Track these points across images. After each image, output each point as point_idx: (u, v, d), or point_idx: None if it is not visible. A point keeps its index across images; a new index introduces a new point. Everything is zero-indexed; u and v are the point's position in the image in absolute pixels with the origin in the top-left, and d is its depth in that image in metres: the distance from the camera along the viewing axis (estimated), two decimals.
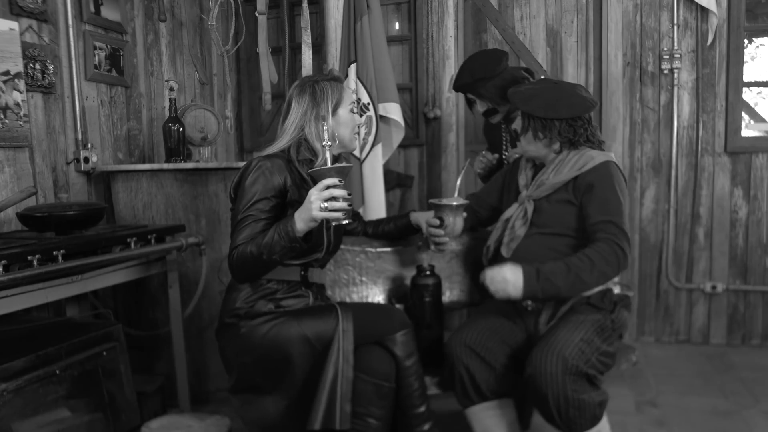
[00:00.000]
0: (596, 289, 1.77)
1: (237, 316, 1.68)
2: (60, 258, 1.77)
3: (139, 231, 2.13)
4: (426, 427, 1.73)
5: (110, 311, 2.54)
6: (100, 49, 2.70)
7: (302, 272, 1.75)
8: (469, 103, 2.32)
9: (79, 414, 1.90)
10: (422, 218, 2.01)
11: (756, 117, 3.56)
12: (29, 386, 1.74)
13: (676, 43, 3.18)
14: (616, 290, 1.82)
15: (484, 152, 2.38)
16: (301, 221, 1.50)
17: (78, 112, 2.56)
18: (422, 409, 1.73)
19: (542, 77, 3.07)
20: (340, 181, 1.46)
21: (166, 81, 2.86)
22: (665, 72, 3.21)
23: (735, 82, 3.14)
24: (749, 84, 3.33)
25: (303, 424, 1.61)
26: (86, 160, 2.56)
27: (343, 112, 1.76)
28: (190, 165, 2.53)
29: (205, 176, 2.51)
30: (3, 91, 2.18)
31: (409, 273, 2.09)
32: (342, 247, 2.04)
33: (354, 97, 1.83)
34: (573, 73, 3.32)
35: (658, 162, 3.29)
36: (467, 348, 1.76)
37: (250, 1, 3.15)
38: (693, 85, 3.21)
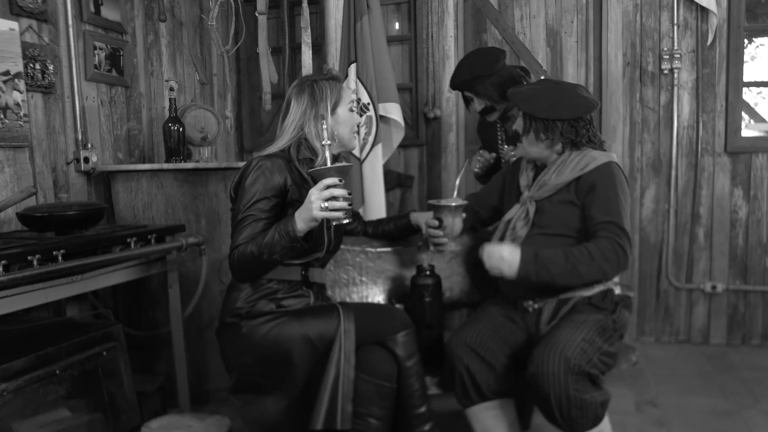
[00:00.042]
0: (597, 290, 1.77)
1: (238, 316, 1.68)
2: (60, 258, 1.77)
3: (139, 231, 2.13)
4: (426, 427, 1.73)
5: (110, 311, 2.54)
6: (100, 49, 2.70)
7: (303, 272, 1.75)
8: (466, 101, 2.32)
9: (79, 414, 1.90)
10: (422, 218, 2.01)
11: (756, 117, 3.56)
12: (29, 386, 1.74)
13: (676, 43, 3.18)
14: (617, 291, 1.82)
15: (481, 151, 2.38)
16: (301, 221, 1.50)
17: (78, 112, 2.56)
18: (423, 409, 1.73)
19: (542, 77, 3.08)
20: (340, 180, 1.46)
21: (166, 81, 2.86)
22: (665, 72, 3.21)
23: (735, 82, 3.14)
24: (749, 84, 3.33)
25: (303, 424, 1.61)
26: (86, 160, 2.56)
27: (342, 111, 1.76)
28: (190, 165, 2.53)
29: (205, 176, 2.51)
30: (3, 91, 2.18)
31: (409, 273, 2.09)
32: (342, 247, 2.04)
33: (353, 96, 1.83)
34: (573, 73, 3.32)
35: (658, 162, 3.29)
36: (468, 348, 1.76)
37: (250, 1, 3.15)
38: (693, 85, 3.21)
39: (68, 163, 2.55)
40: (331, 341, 1.62)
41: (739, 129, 3.21)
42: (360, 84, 2.67)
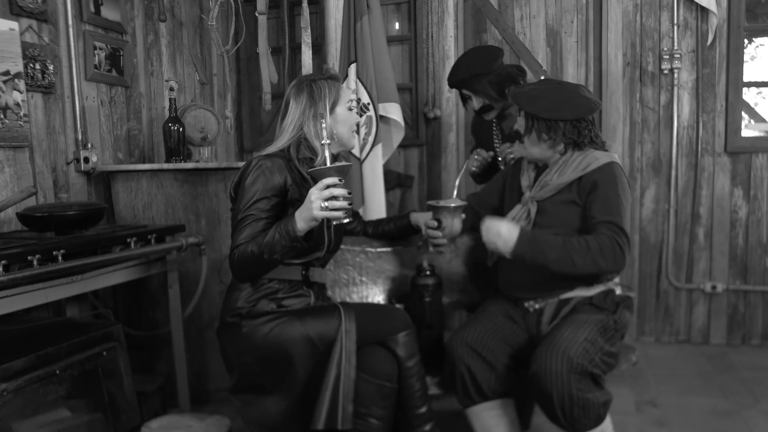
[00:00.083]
0: (598, 290, 1.78)
1: (239, 316, 1.68)
2: (60, 258, 1.77)
3: (139, 231, 2.13)
4: (427, 427, 1.73)
5: (110, 311, 2.54)
6: (100, 49, 2.69)
7: (303, 271, 1.75)
8: (464, 100, 2.31)
9: (79, 414, 1.90)
10: (422, 219, 2.01)
11: (756, 117, 3.56)
12: (29, 386, 1.74)
13: (676, 43, 3.18)
14: (618, 291, 1.82)
15: (478, 150, 2.38)
16: (301, 220, 1.50)
17: (78, 112, 2.56)
18: (423, 409, 1.73)
19: (542, 77, 3.08)
20: (340, 180, 1.46)
21: (166, 81, 2.86)
22: (665, 72, 3.21)
23: (735, 82, 3.14)
24: (749, 84, 3.33)
25: (304, 425, 1.61)
26: (86, 160, 2.56)
27: (341, 110, 1.76)
28: (190, 165, 2.53)
29: (205, 176, 2.51)
30: (3, 91, 2.18)
31: (409, 273, 2.09)
32: (342, 247, 2.04)
33: (352, 96, 1.83)
34: (573, 73, 3.32)
35: (658, 162, 3.29)
36: (468, 348, 1.76)
37: (250, 1, 3.15)
38: (693, 85, 3.21)
39: (68, 163, 2.55)
40: (332, 341, 1.62)
41: (739, 129, 3.21)
42: (360, 84, 2.67)
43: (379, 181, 2.72)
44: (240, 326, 1.66)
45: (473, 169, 2.39)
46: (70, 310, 2.36)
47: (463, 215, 1.94)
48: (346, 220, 1.47)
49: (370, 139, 2.69)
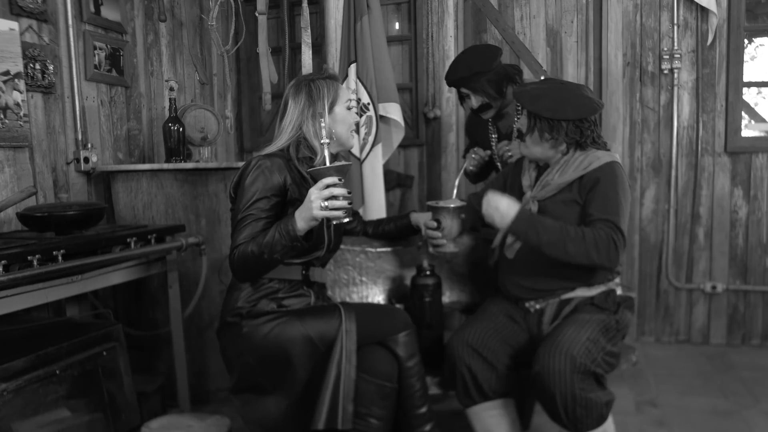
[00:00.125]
0: (599, 290, 1.78)
1: (239, 315, 1.68)
2: (60, 258, 1.77)
3: (139, 231, 2.13)
4: (427, 427, 1.73)
5: (110, 311, 2.54)
6: (100, 49, 2.69)
7: (303, 271, 1.75)
8: (462, 98, 2.31)
9: (79, 414, 1.90)
10: (422, 219, 2.01)
11: (756, 117, 3.56)
12: (29, 386, 1.74)
13: (676, 43, 3.18)
14: (619, 291, 1.82)
15: (475, 149, 2.38)
16: (301, 220, 1.50)
17: (78, 112, 2.56)
18: (424, 409, 1.73)
19: (542, 77, 3.08)
20: (339, 179, 1.47)
21: (166, 81, 2.86)
22: (665, 72, 3.21)
23: (735, 82, 3.14)
24: (749, 84, 3.33)
25: (304, 425, 1.61)
26: (86, 160, 2.56)
27: (340, 109, 1.76)
28: (190, 165, 2.53)
29: (205, 176, 2.51)
30: (3, 91, 2.18)
31: (409, 273, 2.09)
32: (342, 247, 2.04)
33: (351, 95, 1.83)
34: (573, 73, 3.32)
35: (658, 162, 3.29)
36: (469, 347, 1.76)
37: (250, 1, 3.15)
38: (693, 85, 3.21)
39: (68, 163, 2.55)
40: (332, 341, 1.62)
41: (739, 129, 3.21)
42: (360, 84, 2.67)
43: (379, 181, 2.72)
44: (240, 326, 1.66)
45: (470, 168, 2.39)
46: (70, 310, 2.36)
47: (463, 216, 1.94)
48: (345, 220, 1.47)
49: (370, 139, 2.69)
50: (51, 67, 2.41)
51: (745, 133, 3.33)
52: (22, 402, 1.71)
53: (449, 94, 3.39)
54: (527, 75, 3.18)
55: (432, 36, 3.46)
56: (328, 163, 1.49)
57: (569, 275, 1.77)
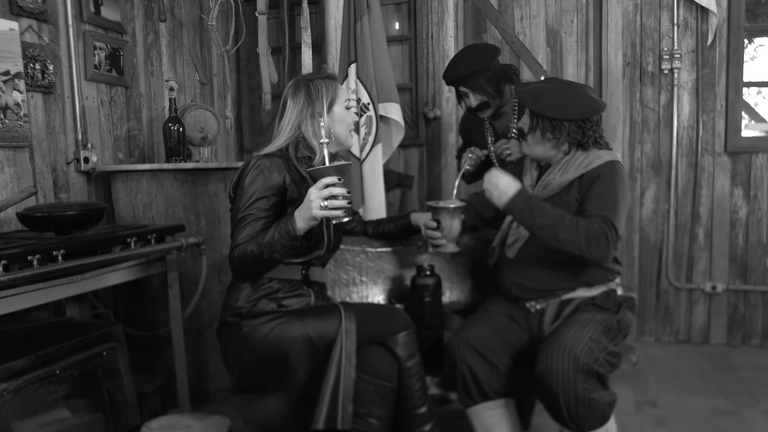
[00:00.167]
0: (600, 290, 1.78)
1: (239, 315, 1.68)
2: (60, 258, 1.77)
3: (139, 231, 2.13)
4: (427, 427, 1.73)
5: (110, 311, 2.54)
6: (100, 49, 2.69)
7: (303, 271, 1.75)
8: (460, 97, 2.31)
9: (79, 414, 1.90)
10: (422, 219, 2.01)
11: (756, 117, 3.56)
12: (29, 386, 1.74)
13: (676, 43, 3.18)
14: (620, 291, 1.82)
15: (472, 149, 2.37)
16: (301, 220, 1.50)
17: (78, 112, 2.56)
18: (423, 409, 1.73)
19: (542, 78, 3.08)
20: (339, 179, 1.47)
21: (166, 81, 2.86)
22: (665, 72, 3.21)
23: (735, 82, 3.14)
24: (749, 84, 3.33)
25: (304, 424, 1.61)
26: (86, 160, 2.56)
27: (339, 109, 1.76)
28: (190, 165, 2.53)
29: (205, 176, 2.51)
30: (3, 91, 2.18)
31: (409, 273, 2.09)
32: (342, 247, 2.04)
33: (351, 95, 1.83)
34: (573, 73, 3.32)
35: (658, 162, 3.29)
36: (470, 347, 1.76)
37: (250, 1, 3.15)
38: (693, 85, 3.21)
39: (68, 163, 2.55)
40: (332, 341, 1.62)
41: (739, 129, 3.21)
42: (360, 84, 2.66)
43: (379, 181, 2.72)
44: (240, 326, 1.66)
45: (468, 167, 2.39)
46: (70, 310, 2.36)
47: (463, 216, 1.94)
48: (345, 219, 1.47)
49: (370, 139, 2.69)
50: (51, 67, 2.41)
51: (745, 133, 3.33)
52: (22, 402, 1.71)
53: (449, 94, 3.39)
54: (527, 75, 3.18)
55: (432, 36, 3.46)
56: (327, 163, 1.49)
57: (570, 275, 1.77)
